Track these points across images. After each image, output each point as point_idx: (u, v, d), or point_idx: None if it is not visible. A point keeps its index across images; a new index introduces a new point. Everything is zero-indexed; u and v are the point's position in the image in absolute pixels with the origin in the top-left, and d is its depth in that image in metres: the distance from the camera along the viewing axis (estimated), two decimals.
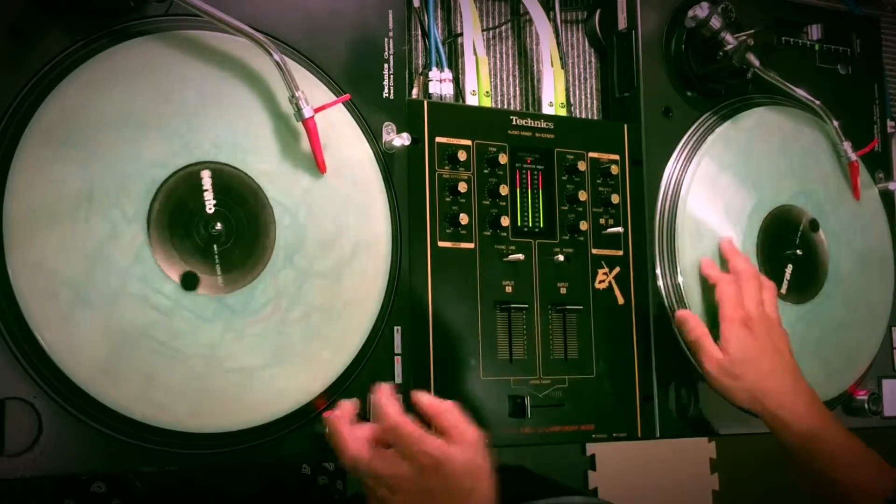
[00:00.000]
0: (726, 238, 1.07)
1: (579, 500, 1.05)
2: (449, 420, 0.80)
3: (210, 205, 0.82)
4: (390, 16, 0.94)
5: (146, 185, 0.80)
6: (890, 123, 1.25)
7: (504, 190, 0.98)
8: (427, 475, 0.77)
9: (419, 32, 1.05)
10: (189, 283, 0.80)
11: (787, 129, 1.17)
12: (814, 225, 1.14)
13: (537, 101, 1.12)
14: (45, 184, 0.76)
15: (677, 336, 1.04)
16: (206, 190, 0.82)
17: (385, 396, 0.83)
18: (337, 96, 0.89)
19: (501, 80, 1.12)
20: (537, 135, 1.02)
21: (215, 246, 0.82)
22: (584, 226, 1.02)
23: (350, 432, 0.81)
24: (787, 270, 1.13)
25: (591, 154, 1.04)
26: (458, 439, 0.79)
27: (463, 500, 0.78)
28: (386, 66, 0.94)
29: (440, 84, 1.01)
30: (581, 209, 1.03)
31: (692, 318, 1.01)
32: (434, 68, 1.01)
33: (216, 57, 0.84)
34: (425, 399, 0.82)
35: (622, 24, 1.12)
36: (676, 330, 1.03)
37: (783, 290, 1.12)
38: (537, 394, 0.97)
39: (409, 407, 0.83)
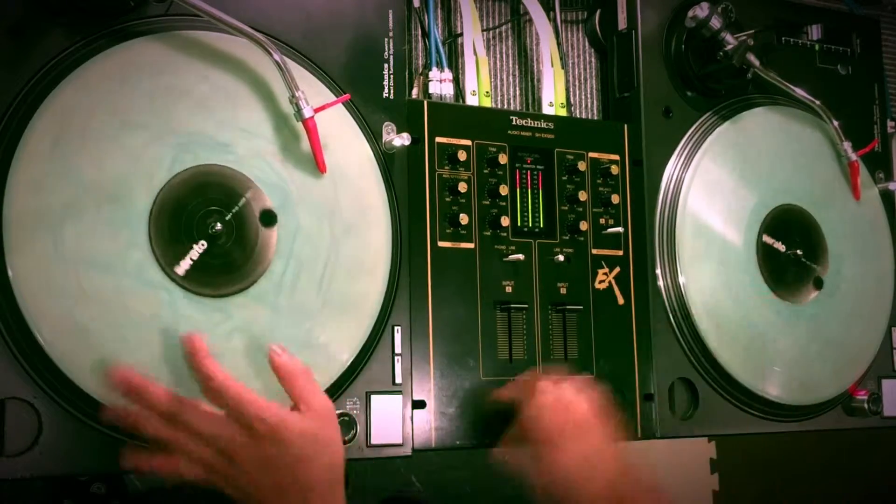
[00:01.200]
0: None
1: None
2: (298, 385, 0.76)
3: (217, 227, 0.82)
4: (390, 16, 0.94)
5: (146, 186, 0.80)
6: (890, 123, 1.25)
7: (504, 190, 0.98)
8: (262, 442, 0.72)
9: (419, 32, 1.05)
10: (268, 219, 0.83)
11: (787, 129, 1.17)
12: (817, 283, 1.15)
13: (537, 101, 1.12)
14: (45, 184, 0.76)
15: (677, 336, 1.05)
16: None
17: (204, 353, 0.74)
18: (337, 96, 0.89)
19: (501, 80, 1.12)
20: (537, 135, 1.02)
21: (205, 243, 0.82)
22: (584, 226, 1.02)
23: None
24: (787, 269, 1.13)
25: (591, 154, 1.04)
26: (305, 407, 0.75)
27: (302, 470, 0.73)
28: (386, 66, 0.94)
29: (440, 84, 1.01)
30: (581, 209, 1.03)
31: None
32: (434, 68, 1.01)
33: (216, 57, 0.84)
34: (278, 359, 0.77)
35: (622, 24, 1.12)
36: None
37: (785, 290, 1.12)
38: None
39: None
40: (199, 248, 0.81)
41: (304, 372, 0.77)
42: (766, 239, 1.12)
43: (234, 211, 0.83)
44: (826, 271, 1.16)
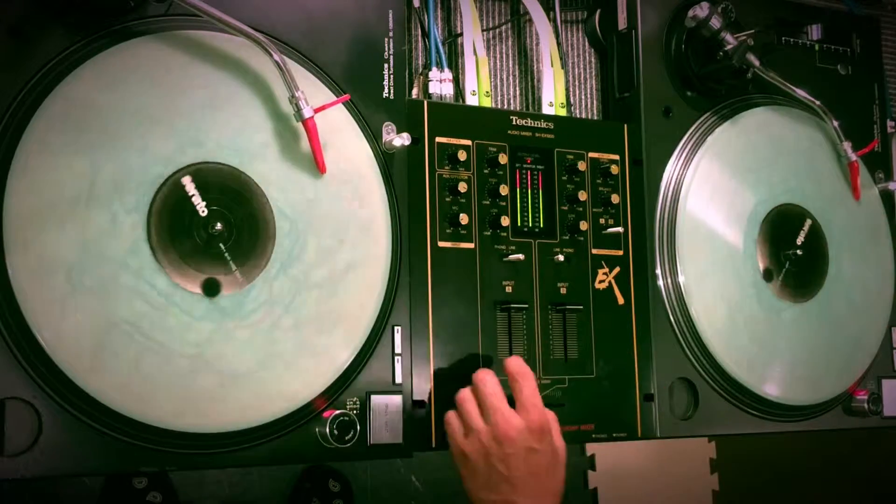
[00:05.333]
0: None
1: None
2: (550, 411, 0.90)
3: (201, 208, 0.82)
4: (390, 16, 0.94)
5: (146, 186, 0.80)
6: (890, 123, 1.25)
7: (504, 190, 0.98)
8: (534, 434, 0.85)
9: (419, 32, 1.05)
10: (211, 289, 0.81)
11: (787, 129, 1.17)
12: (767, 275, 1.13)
13: (537, 101, 1.12)
14: (45, 184, 0.76)
15: (677, 336, 1.05)
16: (193, 195, 0.82)
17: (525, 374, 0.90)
18: (337, 96, 0.89)
19: (501, 80, 1.12)
20: (537, 135, 1.02)
21: (221, 244, 0.82)
22: (584, 226, 1.02)
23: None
24: (787, 269, 1.13)
25: (591, 154, 1.04)
26: (556, 432, 0.90)
27: (555, 470, 0.87)
28: (386, 66, 0.94)
29: (440, 84, 1.01)
30: (581, 209, 1.03)
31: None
32: (434, 68, 1.01)
33: (216, 57, 0.84)
34: (512, 362, 0.90)
35: (622, 24, 1.12)
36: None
37: (785, 290, 1.12)
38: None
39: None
40: (201, 249, 0.81)
41: (531, 377, 0.90)
42: (766, 240, 1.12)
43: (234, 210, 0.83)
44: (826, 271, 1.16)
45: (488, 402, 0.87)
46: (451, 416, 0.90)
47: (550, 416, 0.89)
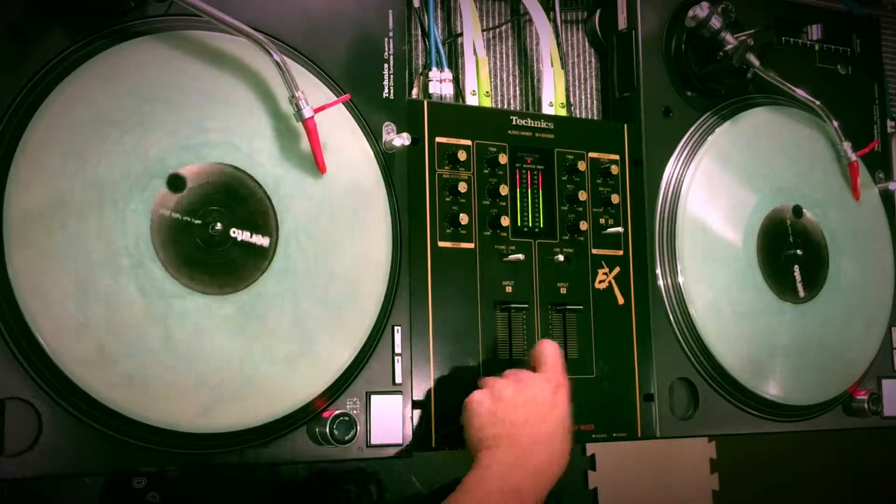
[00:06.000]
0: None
1: None
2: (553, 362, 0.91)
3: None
4: (390, 16, 0.94)
5: (146, 185, 0.80)
6: (890, 123, 1.25)
7: (504, 190, 0.98)
8: (547, 382, 0.88)
9: (419, 32, 1.05)
10: (175, 184, 0.81)
11: (787, 129, 1.17)
12: (796, 211, 1.14)
13: (537, 101, 1.12)
14: (46, 184, 0.76)
15: (677, 336, 1.05)
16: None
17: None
18: (337, 96, 0.89)
19: (501, 80, 1.12)
20: (537, 135, 1.02)
21: (206, 243, 0.82)
22: (584, 226, 1.02)
23: None
24: (787, 269, 1.13)
25: (591, 154, 1.04)
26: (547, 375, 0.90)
27: (565, 434, 0.88)
28: (386, 66, 0.94)
29: (440, 84, 1.01)
30: (581, 209, 1.03)
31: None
32: (434, 68, 1.01)
33: (216, 57, 0.84)
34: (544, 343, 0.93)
35: (622, 24, 1.12)
36: None
37: (785, 290, 1.12)
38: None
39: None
40: (201, 248, 0.81)
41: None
42: (765, 241, 1.12)
43: (234, 211, 0.83)
44: (826, 271, 1.16)
45: (508, 372, 0.89)
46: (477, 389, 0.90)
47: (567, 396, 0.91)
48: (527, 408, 0.86)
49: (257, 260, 0.84)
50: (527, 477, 0.83)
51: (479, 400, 0.87)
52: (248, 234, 0.84)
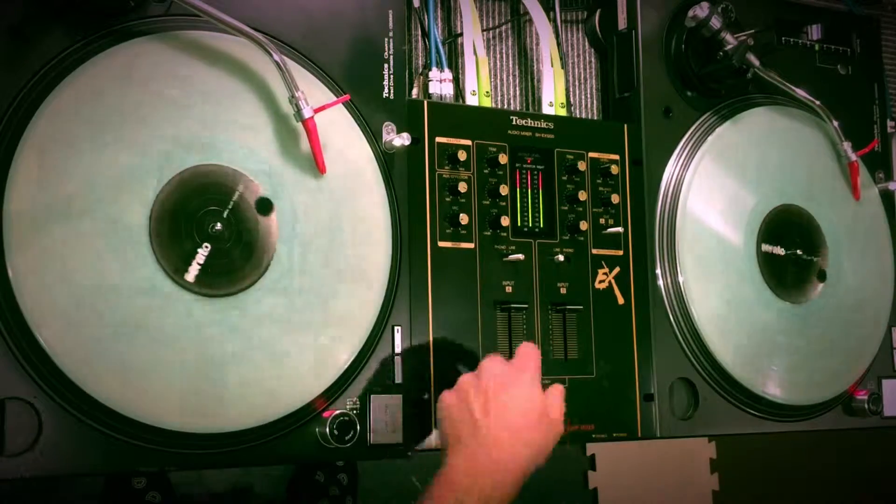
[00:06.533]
0: None
1: None
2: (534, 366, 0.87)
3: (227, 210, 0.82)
4: (390, 16, 0.94)
5: (146, 185, 0.80)
6: (890, 123, 1.25)
7: (504, 190, 0.98)
8: (512, 369, 0.84)
9: (419, 32, 1.05)
10: (264, 207, 0.83)
11: (787, 129, 1.17)
12: (821, 275, 1.14)
13: (537, 101, 1.12)
14: (45, 183, 0.76)
15: (677, 336, 1.05)
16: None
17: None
18: (337, 96, 0.89)
19: (501, 80, 1.12)
20: (537, 135, 1.02)
21: (206, 243, 0.82)
22: (584, 226, 1.02)
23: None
24: (787, 269, 1.13)
25: (591, 154, 1.04)
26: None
27: (536, 418, 0.83)
28: (386, 66, 0.94)
29: (440, 84, 1.01)
30: (581, 209, 1.03)
31: None
32: (434, 68, 1.01)
33: (216, 57, 0.84)
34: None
35: (622, 24, 1.12)
36: None
37: (785, 290, 1.12)
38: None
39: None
40: (202, 252, 0.81)
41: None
42: (766, 243, 1.12)
43: (230, 207, 0.83)
44: (826, 271, 1.16)
45: (495, 367, 0.85)
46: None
47: (555, 388, 0.87)
48: (492, 400, 0.81)
49: (257, 260, 0.84)
50: (483, 475, 0.78)
51: (447, 401, 0.83)
52: (251, 234, 0.84)
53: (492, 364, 0.85)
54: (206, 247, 0.82)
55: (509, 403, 0.82)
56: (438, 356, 0.93)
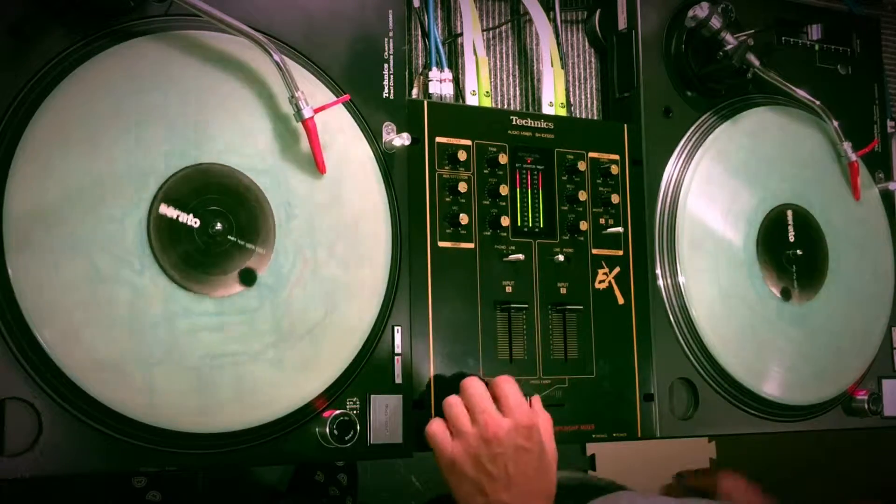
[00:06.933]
0: None
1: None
2: (538, 404, 0.91)
3: (190, 220, 0.82)
4: (390, 16, 0.94)
5: (146, 185, 0.80)
6: (890, 123, 1.25)
7: (504, 190, 0.98)
8: (521, 432, 0.85)
9: (419, 32, 1.05)
10: (248, 278, 0.83)
11: (787, 129, 1.17)
12: (785, 294, 1.13)
13: (537, 101, 1.12)
14: (46, 183, 0.76)
15: (677, 336, 1.05)
16: (178, 216, 0.82)
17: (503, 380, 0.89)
18: (337, 96, 0.89)
19: (501, 80, 1.12)
20: (537, 135, 1.02)
21: (205, 243, 0.82)
22: (584, 226, 1.02)
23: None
24: (787, 269, 1.13)
25: (591, 154, 1.04)
26: (545, 429, 0.90)
27: (546, 471, 0.87)
28: (386, 66, 0.94)
29: (440, 84, 1.01)
30: (581, 209, 1.03)
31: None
32: (434, 68, 1.01)
33: (216, 57, 0.84)
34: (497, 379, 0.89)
35: (622, 24, 1.12)
36: None
37: (785, 290, 1.12)
38: (537, 394, 0.97)
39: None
40: (201, 249, 0.81)
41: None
42: (764, 243, 1.12)
43: (234, 211, 0.83)
44: (826, 271, 1.16)
45: (475, 403, 0.86)
46: (434, 425, 0.87)
47: (544, 418, 0.90)
48: (513, 477, 0.84)
49: (257, 260, 0.84)
50: None
51: (453, 454, 0.85)
52: (248, 234, 0.84)
53: (496, 425, 0.85)
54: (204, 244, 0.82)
55: (528, 473, 0.85)
56: (438, 356, 0.93)
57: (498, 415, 0.86)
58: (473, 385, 0.87)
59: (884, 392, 1.18)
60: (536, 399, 0.92)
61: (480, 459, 0.84)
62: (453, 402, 0.88)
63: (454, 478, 0.86)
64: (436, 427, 0.87)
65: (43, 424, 0.75)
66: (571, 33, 1.17)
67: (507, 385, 0.88)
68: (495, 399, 0.87)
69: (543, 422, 0.89)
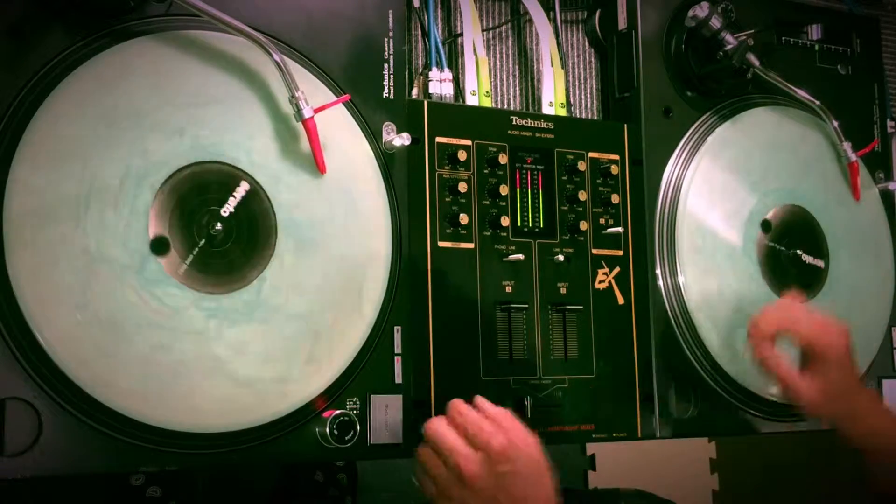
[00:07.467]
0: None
1: None
2: (507, 421, 0.82)
3: (228, 209, 0.82)
4: (390, 16, 0.94)
5: (146, 185, 0.80)
6: (890, 123, 1.25)
7: (504, 190, 0.98)
8: (498, 458, 0.78)
9: (419, 32, 1.05)
10: (159, 247, 0.80)
11: (786, 129, 1.17)
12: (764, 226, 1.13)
13: (537, 101, 1.12)
14: (46, 183, 0.76)
15: (677, 336, 1.05)
16: (234, 197, 0.83)
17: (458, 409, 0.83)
18: (337, 96, 0.89)
19: (501, 80, 1.12)
20: (537, 135, 1.02)
21: (205, 242, 0.82)
22: (584, 226, 1.02)
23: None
24: (787, 270, 1.13)
25: (591, 154, 1.04)
26: (521, 441, 0.81)
27: (539, 480, 0.80)
28: (386, 66, 0.94)
29: (440, 84, 1.01)
30: (581, 209, 1.03)
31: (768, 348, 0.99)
32: (434, 68, 1.01)
33: (216, 57, 0.84)
34: (481, 401, 0.84)
35: (622, 24, 1.12)
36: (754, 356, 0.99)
37: (784, 290, 1.12)
38: (537, 394, 0.97)
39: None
40: (195, 242, 0.82)
41: (506, 412, 0.83)
42: (766, 239, 1.12)
43: (234, 211, 0.83)
44: (826, 271, 1.16)
45: (441, 447, 0.80)
46: (421, 478, 0.83)
47: (512, 426, 0.82)
48: (503, 491, 0.79)
49: (257, 260, 0.84)
50: None
51: (472, 474, 0.80)
52: (248, 235, 0.84)
53: (467, 462, 0.79)
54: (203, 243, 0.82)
55: (512, 483, 0.80)
56: (438, 356, 0.93)
57: (467, 450, 0.79)
58: (432, 428, 0.82)
59: (884, 392, 1.18)
60: (499, 413, 0.84)
61: (470, 502, 0.79)
62: (421, 451, 0.83)
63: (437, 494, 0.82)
64: (423, 480, 0.83)
65: (43, 424, 0.75)
66: (571, 33, 1.17)
67: (463, 418, 0.82)
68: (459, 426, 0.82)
69: (513, 431, 0.82)
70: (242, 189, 0.84)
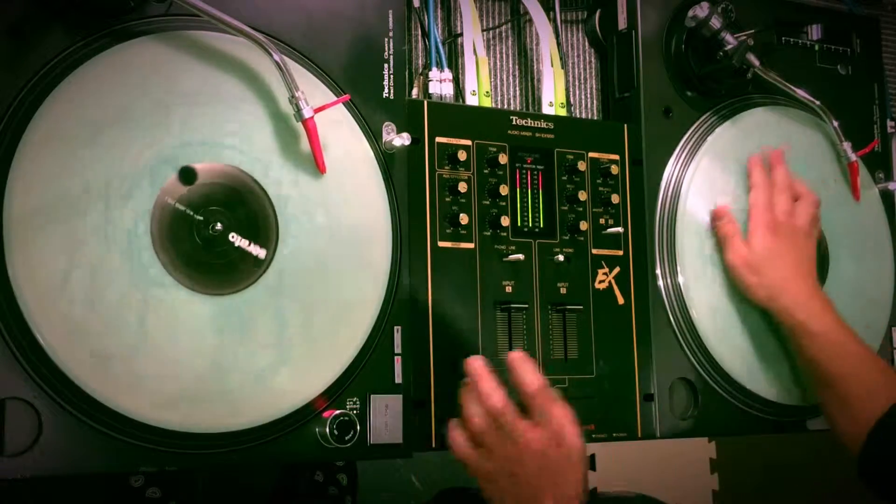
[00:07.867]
0: (757, 156, 1.11)
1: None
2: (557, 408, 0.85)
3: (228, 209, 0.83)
4: (390, 16, 0.94)
5: (147, 185, 0.80)
6: (890, 123, 1.25)
7: (504, 190, 0.98)
8: (553, 440, 0.83)
9: (419, 32, 1.05)
10: (188, 177, 0.81)
11: (787, 129, 1.17)
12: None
13: (537, 101, 1.12)
14: (46, 184, 0.76)
15: (677, 336, 1.05)
16: (234, 197, 0.82)
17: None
18: (337, 96, 0.89)
19: (501, 80, 1.12)
20: (537, 135, 1.02)
21: (205, 242, 0.82)
22: (584, 226, 1.02)
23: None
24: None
25: (591, 154, 1.04)
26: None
27: (576, 469, 0.84)
28: (386, 66, 0.94)
29: (440, 84, 1.01)
30: (581, 209, 1.03)
31: (726, 215, 1.07)
32: (434, 68, 1.01)
33: (216, 57, 0.84)
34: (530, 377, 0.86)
35: (622, 24, 1.12)
36: (710, 223, 1.08)
37: None
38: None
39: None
40: (200, 248, 0.81)
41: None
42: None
43: (235, 211, 0.83)
44: (826, 272, 1.16)
45: (500, 418, 0.83)
46: (456, 438, 0.87)
47: (564, 414, 0.86)
48: (549, 472, 0.83)
49: (257, 260, 0.84)
50: None
51: (494, 472, 0.84)
52: (248, 235, 0.84)
53: (527, 432, 0.83)
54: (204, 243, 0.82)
55: (557, 467, 0.83)
56: (438, 356, 0.93)
57: (527, 425, 0.83)
58: (491, 396, 0.84)
59: None
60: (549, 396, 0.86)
61: (518, 478, 0.83)
62: (474, 412, 0.85)
63: (494, 491, 0.85)
64: (458, 440, 0.86)
65: (43, 424, 0.75)
66: (571, 33, 1.17)
67: (529, 374, 0.85)
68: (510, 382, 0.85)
69: (567, 418, 0.85)
70: (243, 189, 0.84)
